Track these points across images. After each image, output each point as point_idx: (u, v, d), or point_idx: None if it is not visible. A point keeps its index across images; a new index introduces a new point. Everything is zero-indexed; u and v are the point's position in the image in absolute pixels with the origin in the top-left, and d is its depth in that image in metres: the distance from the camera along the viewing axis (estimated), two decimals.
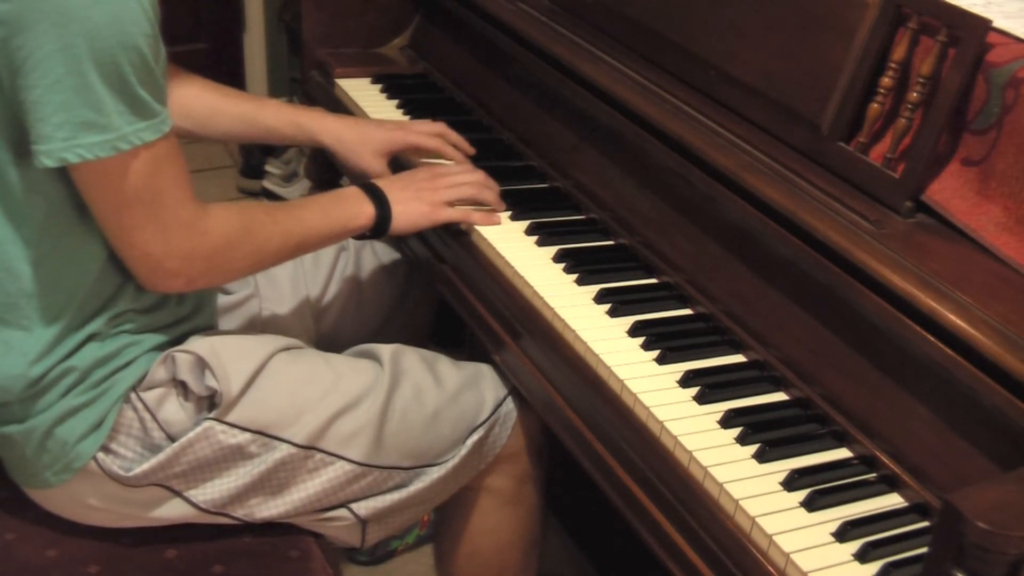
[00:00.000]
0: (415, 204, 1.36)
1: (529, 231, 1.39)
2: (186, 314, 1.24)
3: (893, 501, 1.01)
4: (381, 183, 1.36)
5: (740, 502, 0.97)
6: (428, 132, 1.53)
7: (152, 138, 1.04)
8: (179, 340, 1.22)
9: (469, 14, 1.72)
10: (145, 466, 1.17)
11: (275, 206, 1.29)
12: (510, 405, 1.35)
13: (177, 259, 1.11)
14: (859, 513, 0.98)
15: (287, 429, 1.21)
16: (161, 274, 1.12)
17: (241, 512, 1.23)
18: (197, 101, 1.46)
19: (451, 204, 1.38)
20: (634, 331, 1.20)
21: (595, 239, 1.39)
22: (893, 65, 1.12)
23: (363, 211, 1.31)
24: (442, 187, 1.38)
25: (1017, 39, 1.06)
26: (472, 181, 1.41)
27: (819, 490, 0.99)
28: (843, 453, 1.06)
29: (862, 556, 0.93)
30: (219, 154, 3.32)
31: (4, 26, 0.97)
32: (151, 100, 1.03)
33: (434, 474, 1.30)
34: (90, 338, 1.14)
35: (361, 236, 1.35)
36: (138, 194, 1.05)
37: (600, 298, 1.26)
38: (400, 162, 1.54)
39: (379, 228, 1.33)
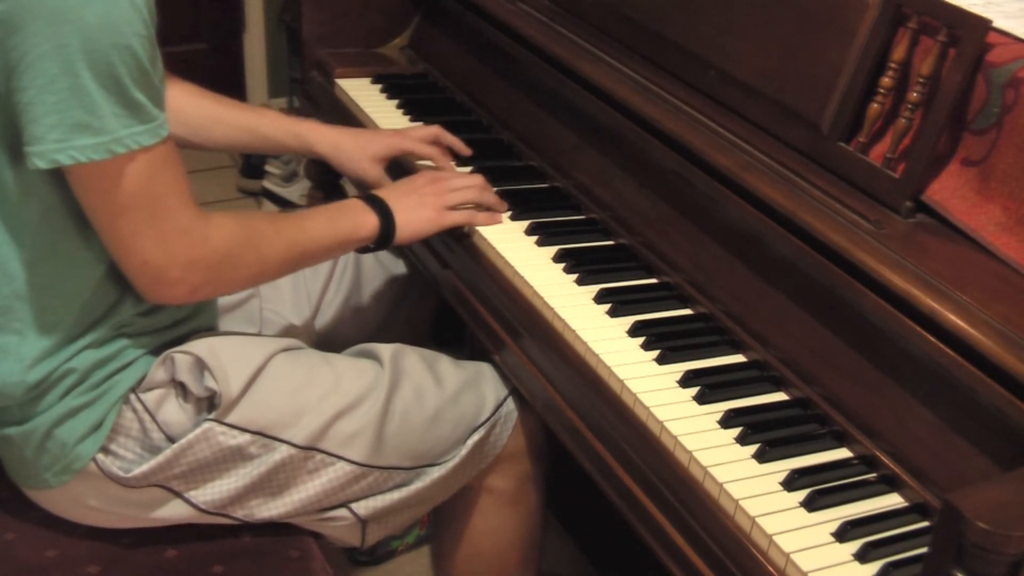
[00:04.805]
0: (420, 211, 1.35)
1: (529, 231, 1.39)
2: (186, 315, 1.24)
3: (893, 501, 1.01)
4: (382, 193, 1.35)
5: (740, 502, 0.97)
6: (423, 137, 1.53)
7: (149, 142, 1.02)
8: (179, 341, 1.22)
9: (469, 14, 1.72)
10: (145, 467, 1.17)
11: (278, 216, 1.28)
12: (511, 405, 1.35)
13: (178, 267, 1.09)
14: (859, 513, 0.98)
15: (287, 430, 1.21)
16: (162, 284, 1.10)
17: (241, 513, 1.23)
18: (193, 109, 1.45)
19: (454, 207, 1.38)
20: (634, 331, 1.20)
21: (595, 239, 1.39)
22: (893, 65, 1.12)
23: (367, 221, 1.30)
24: (445, 191, 1.37)
25: (1017, 39, 1.06)
26: (473, 184, 1.40)
27: (819, 490, 0.99)
28: (843, 453, 1.06)
29: (862, 556, 0.93)
30: (219, 154, 3.30)
31: None
32: (147, 103, 1.02)
33: (434, 474, 1.30)
34: (90, 344, 1.14)
35: (365, 249, 1.34)
36: (135, 199, 1.04)
37: (600, 298, 1.25)
38: (398, 167, 1.53)
39: (384, 239, 1.32)
